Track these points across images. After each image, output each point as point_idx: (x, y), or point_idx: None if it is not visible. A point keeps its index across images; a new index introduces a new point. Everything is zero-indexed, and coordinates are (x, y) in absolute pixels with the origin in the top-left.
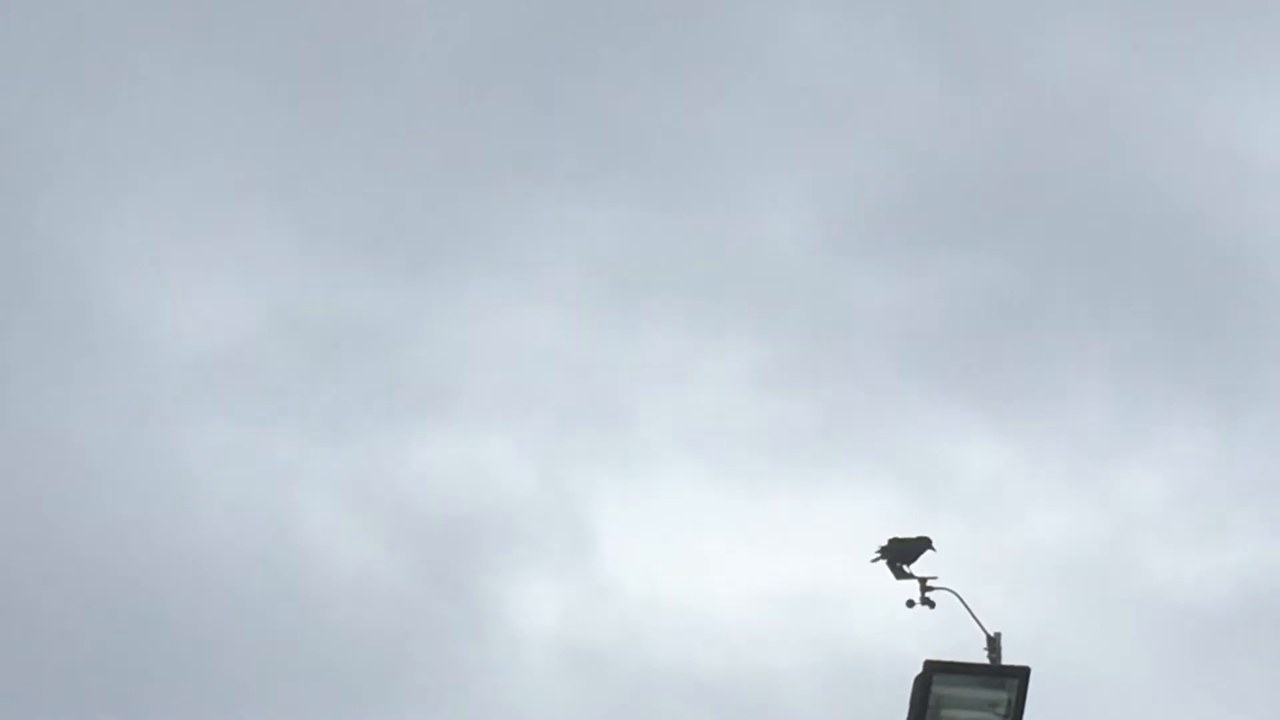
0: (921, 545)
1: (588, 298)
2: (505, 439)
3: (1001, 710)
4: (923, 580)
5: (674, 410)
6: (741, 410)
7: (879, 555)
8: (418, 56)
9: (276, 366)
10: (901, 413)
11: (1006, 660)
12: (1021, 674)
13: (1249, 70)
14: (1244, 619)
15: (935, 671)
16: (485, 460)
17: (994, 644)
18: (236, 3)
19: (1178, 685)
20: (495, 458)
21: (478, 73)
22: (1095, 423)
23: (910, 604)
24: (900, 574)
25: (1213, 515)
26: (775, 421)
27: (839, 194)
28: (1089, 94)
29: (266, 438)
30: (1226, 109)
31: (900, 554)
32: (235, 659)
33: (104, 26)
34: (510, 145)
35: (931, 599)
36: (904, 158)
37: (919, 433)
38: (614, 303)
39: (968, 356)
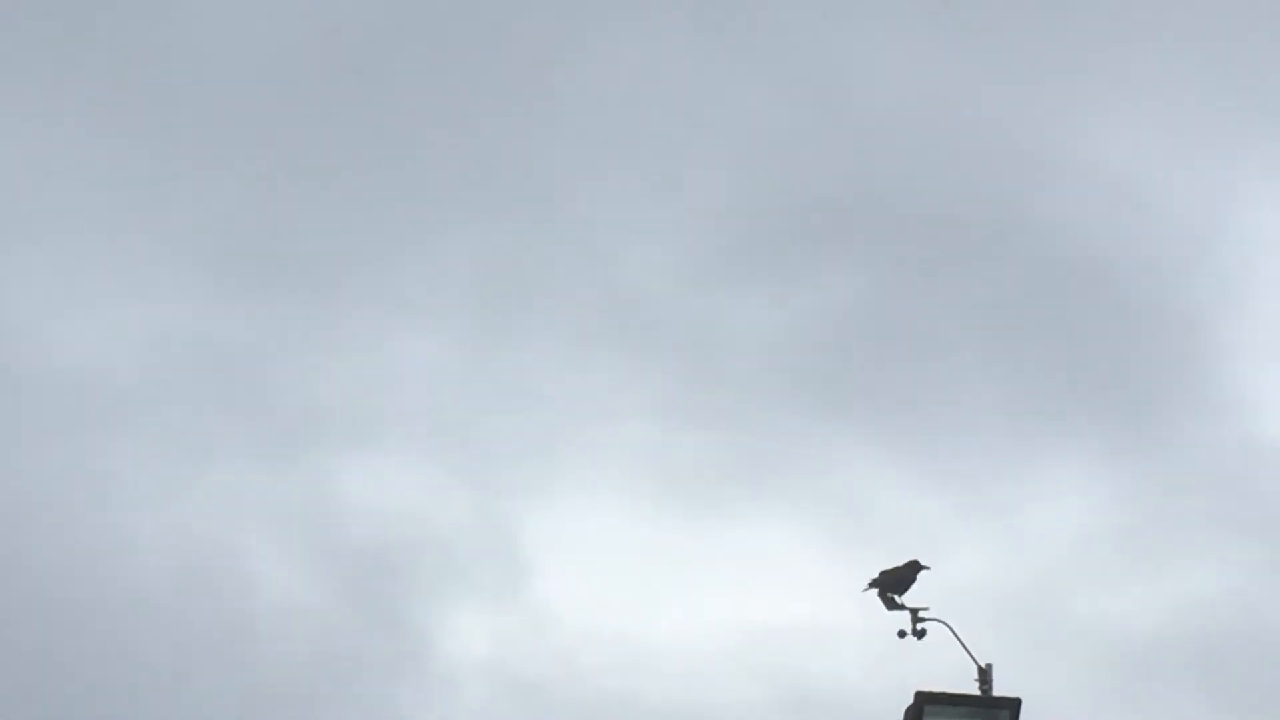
0: (912, 571)
1: (472, 325)
2: (428, 468)
3: None
4: (914, 611)
5: (586, 440)
6: (653, 441)
7: (869, 587)
8: (294, 87)
9: (170, 396)
10: (802, 441)
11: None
12: (1012, 705)
13: (1120, 88)
14: (1169, 650)
15: (926, 703)
16: (410, 490)
17: (985, 675)
18: (97, 37)
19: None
20: (421, 487)
21: (353, 98)
22: (993, 448)
23: (902, 634)
24: (891, 604)
25: (1124, 546)
26: (688, 452)
27: (698, 222)
28: (951, 112)
29: (185, 468)
30: (1095, 127)
31: (891, 584)
32: (170, 689)
33: None
34: (375, 169)
35: (922, 629)
36: (759, 183)
37: (828, 463)
38: (499, 332)
39: (859, 382)
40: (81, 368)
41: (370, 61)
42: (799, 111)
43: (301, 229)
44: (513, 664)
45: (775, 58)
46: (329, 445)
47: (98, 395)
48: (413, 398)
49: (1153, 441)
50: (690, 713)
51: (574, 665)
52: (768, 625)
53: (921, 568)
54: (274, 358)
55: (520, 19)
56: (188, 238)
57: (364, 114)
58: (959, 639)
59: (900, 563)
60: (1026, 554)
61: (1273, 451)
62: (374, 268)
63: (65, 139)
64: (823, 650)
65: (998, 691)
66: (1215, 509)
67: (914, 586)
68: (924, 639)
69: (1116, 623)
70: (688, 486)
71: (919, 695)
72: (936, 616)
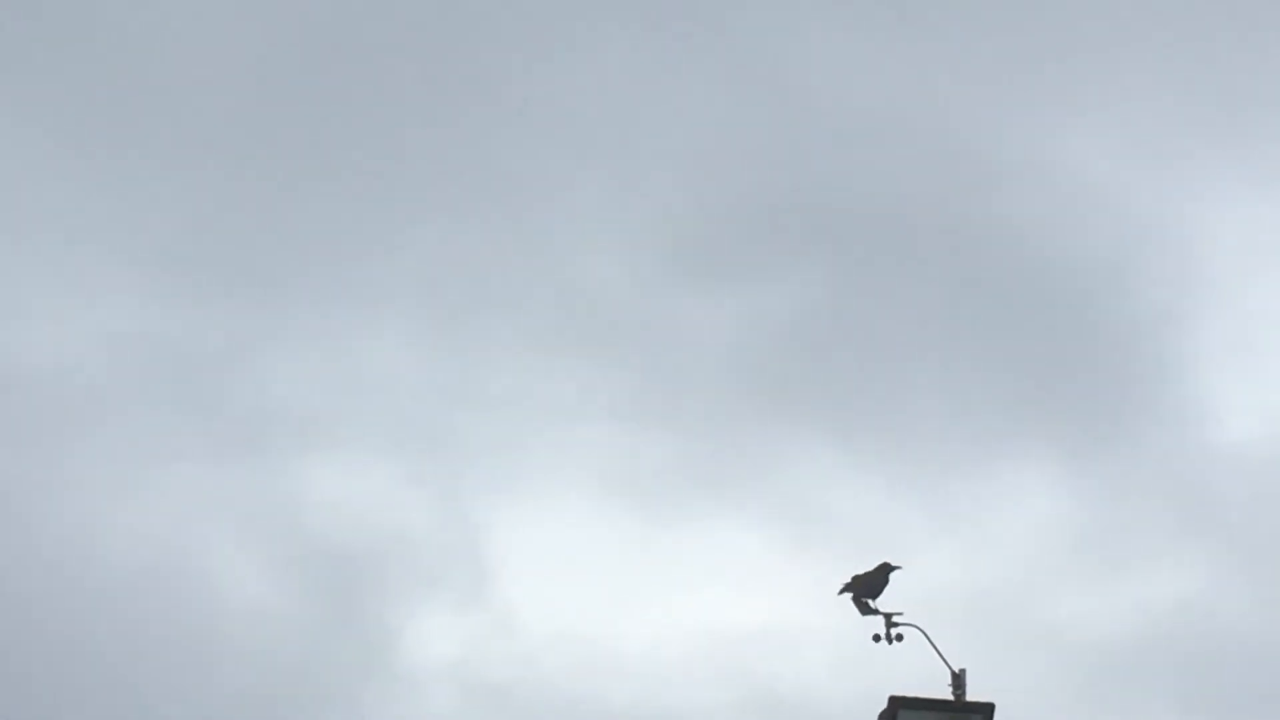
0: (883, 574)
1: (436, 328)
2: (393, 470)
3: None
4: (887, 616)
5: (550, 443)
6: (617, 444)
7: (843, 591)
8: (253, 90)
9: (133, 398)
10: (766, 444)
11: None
12: (986, 710)
13: (1078, 93)
14: (1142, 653)
15: (900, 707)
16: (375, 492)
17: (959, 680)
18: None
19: None
20: (386, 489)
21: (314, 101)
22: (955, 451)
23: (877, 638)
24: (865, 609)
25: (1089, 550)
26: (652, 455)
27: (658, 225)
28: (909, 115)
29: (149, 470)
30: (1054, 131)
31: (865, 589)
32: (132, 690)
33: None
34: (338, 171)
35: (898, 634)
36: (717, 186)
37: (792, 466)
38: (463, 335)
39: (821, 385)
40: (44, 368)
41: (331, 65)
42: (757, 114)
43: (265, 231)
44: (478, 667)
45: (733, 61)
46: (293, 447)
47: (61, 396)
48: (377, 400)
49: (1114, 445)
50: (657, 716)
51: (540, 668)
52: (736, 628)
53: (893, 568)
54: (239, 359)
55: (481, 23)
56: (150, 239)
57: (325, 117)
58: (932, 643)
59: (871, 567)
60: (991, 558)
61: (1233, 455)
62: (338, 270)
63: (26, 142)
64: (793, 654)
65: (971, 696)
66: (1177, 512)
67: (886, 591)
68: (896, 643)
69: (1087, 627)
70: (653, 489)
71: (892, 700)
72: (910, 621)
